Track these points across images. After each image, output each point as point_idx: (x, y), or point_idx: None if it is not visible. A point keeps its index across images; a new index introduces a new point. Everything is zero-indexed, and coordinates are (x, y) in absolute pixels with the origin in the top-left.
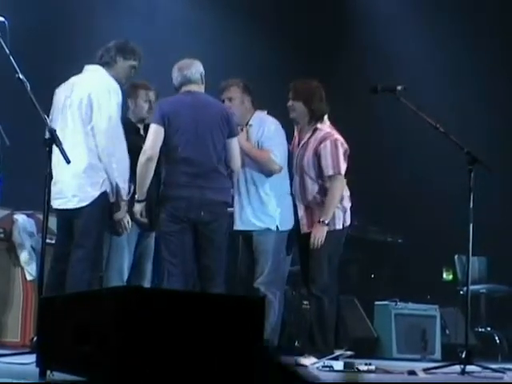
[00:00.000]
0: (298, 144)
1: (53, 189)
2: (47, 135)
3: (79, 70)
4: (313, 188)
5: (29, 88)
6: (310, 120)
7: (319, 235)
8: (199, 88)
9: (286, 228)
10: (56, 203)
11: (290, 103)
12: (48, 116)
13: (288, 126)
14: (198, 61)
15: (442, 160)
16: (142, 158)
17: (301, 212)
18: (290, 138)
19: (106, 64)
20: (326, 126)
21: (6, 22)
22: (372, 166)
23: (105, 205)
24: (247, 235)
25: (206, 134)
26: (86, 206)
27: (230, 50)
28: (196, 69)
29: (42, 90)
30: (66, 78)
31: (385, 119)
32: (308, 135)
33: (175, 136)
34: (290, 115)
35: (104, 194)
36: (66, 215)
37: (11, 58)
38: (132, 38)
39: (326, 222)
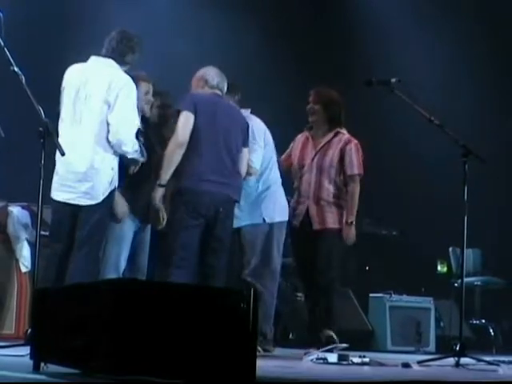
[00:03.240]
0: (315, 148)
1: (61, 181)
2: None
3: (79, 60)
4: (329, 187)
5: (23, 80)
6: (330, 126)
7: (350, 235)
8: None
9: (273, 221)
10: (67, 197)
11: (309, 106)
12: (42, 108)
13: (284, 125)
14: None
15: (436, 152)
16: (172, 145)
17: (312, 210)
18: (277, 135)
19: (117, 60)
20: (345, 132)
21: (1, 14)
22: (366, 159)
23: (114, 197)
24: (236, 230)
25: (230, 135)
26: (103, 201)
27: (230, 48)
28: (225, 83)
29: (38, 80)
30: (63, 68)
31: (378, 112)
32: (328, 137)
33: (204, 127)
34: (309, 118)
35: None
36: (75, 210)
37: (6, 50)
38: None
39: (354, 221)
